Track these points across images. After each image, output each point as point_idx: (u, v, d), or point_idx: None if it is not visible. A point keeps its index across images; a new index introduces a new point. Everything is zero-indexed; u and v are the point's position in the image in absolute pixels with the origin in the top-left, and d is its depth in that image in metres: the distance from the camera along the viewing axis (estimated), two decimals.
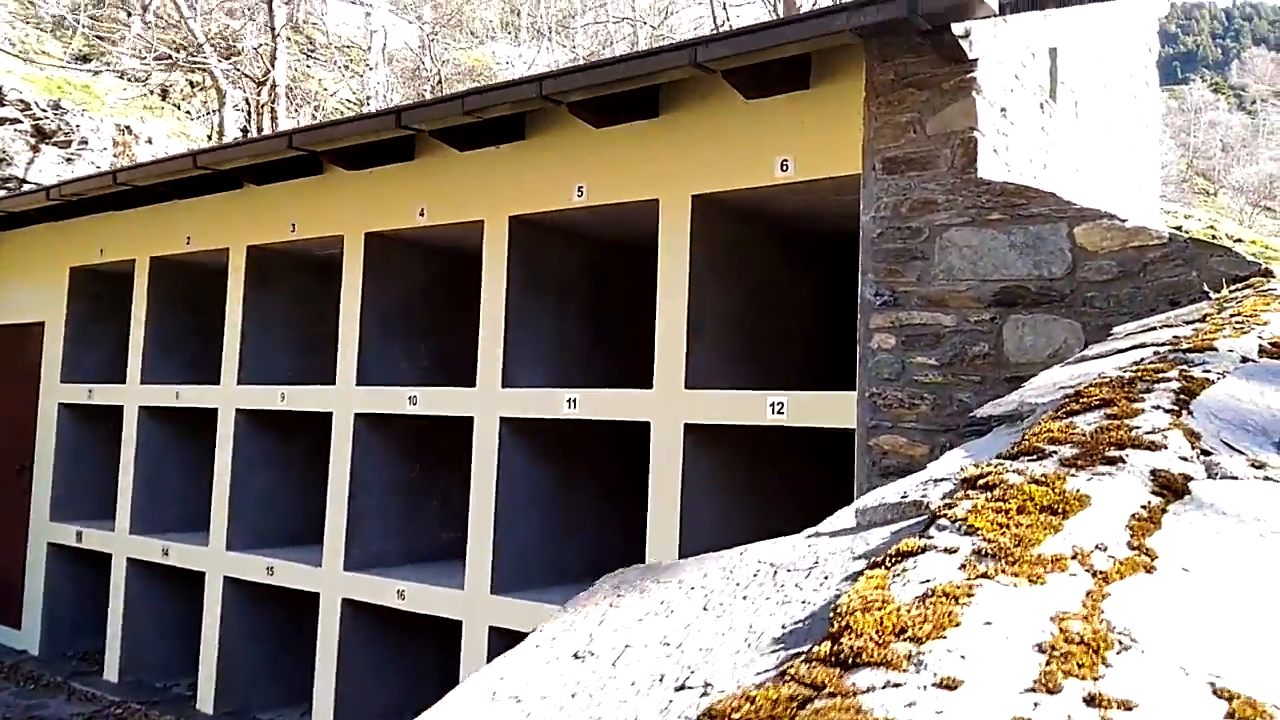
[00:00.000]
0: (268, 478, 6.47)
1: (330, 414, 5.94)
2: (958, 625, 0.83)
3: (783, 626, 1.01)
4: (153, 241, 7.05)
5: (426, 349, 6.15)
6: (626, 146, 4.79)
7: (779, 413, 4.22)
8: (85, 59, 17.73)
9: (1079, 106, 5.16)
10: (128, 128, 11.74)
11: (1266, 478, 1.32)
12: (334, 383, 5.92)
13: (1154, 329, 2.60)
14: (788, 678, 0.79)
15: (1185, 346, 2.06)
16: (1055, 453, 1.37)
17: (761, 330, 4.91)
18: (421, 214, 5.55)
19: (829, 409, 4.02)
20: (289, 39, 16.70)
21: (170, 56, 15.48)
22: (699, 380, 4.54)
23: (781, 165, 4.27)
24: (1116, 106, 6.25)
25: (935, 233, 3.67)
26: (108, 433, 7.35)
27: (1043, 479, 1.22)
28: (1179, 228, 16.17)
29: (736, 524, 4.65)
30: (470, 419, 5.31)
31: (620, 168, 4.81)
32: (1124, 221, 3.34)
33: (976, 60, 3.62)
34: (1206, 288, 3.18)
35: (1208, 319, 2.48)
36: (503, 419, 5.18)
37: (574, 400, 4.91)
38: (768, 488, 4.88)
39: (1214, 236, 15.91)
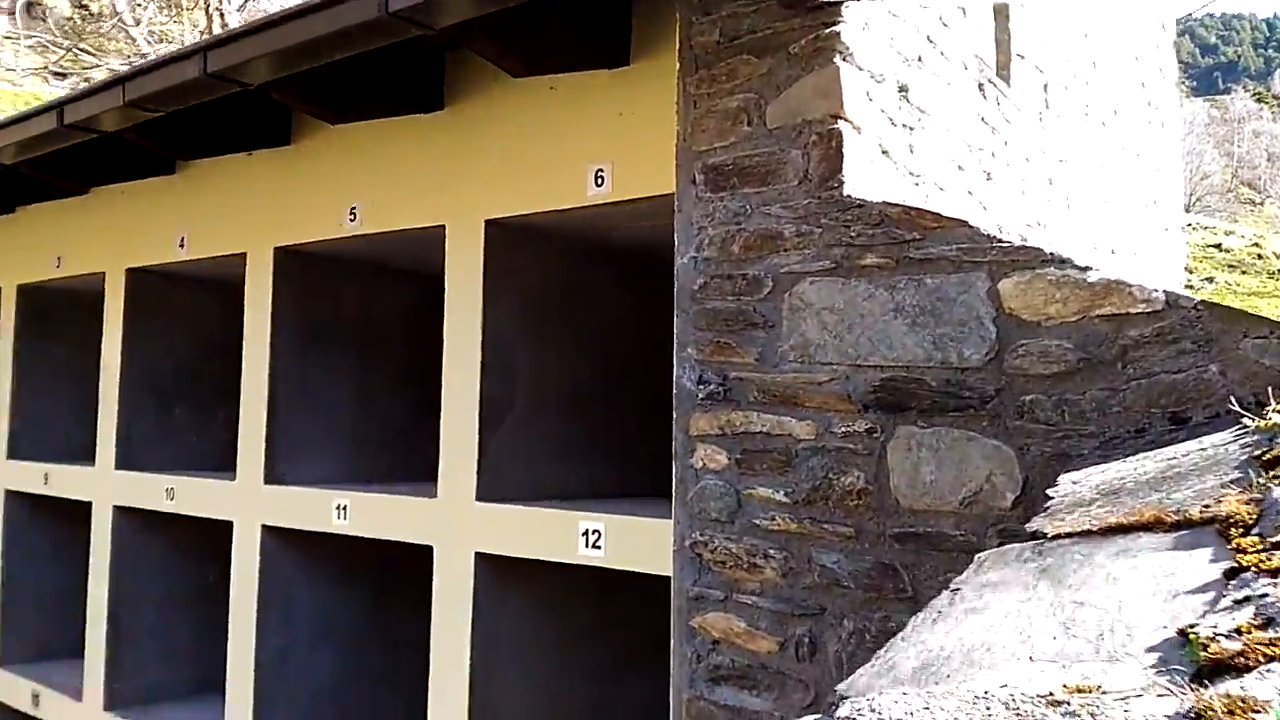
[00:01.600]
0: (48, 576, 5.12)
1: (90, 504, 4.59)
2: None
3: None
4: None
5: (224, 417, 4.77)
6: (409, 153, 3.40)
7: (595, 545, 2.80)
8: (63, 75, 16.97)
9: (1049, 92, 3.68)
10: None
11: None
12: (92, 463, 4.57)
13: (1134, 516, 1.18)
14: None
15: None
16: None
17: (597, 412, 3.48)
18: (181, 245, 4.19)
19: (653, 543, 2.59)
20: None
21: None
22: (500, 489, 3.12)
23: (596, 178, 2.85)
24: (1116, 96, 4.75)
25: (783, 285, 2.25)
26: None
27: None
28: (1217, 246, 14.27)
29: (555, 699, 3.23)
30: (227, 524, 3.92)
31: (399, 182, 3.42)
32: (1085, 273, 1.90)
33: (843, 4, 2.19)
34: (1235, 396, 1.73)
35: (1252, 486, 1.07)
36: (265, 527, 3.79)
37: (344, 507, 3.51)
38: (600, 645, 3.44)
39: (1259, 255, 14.07)
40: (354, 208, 3.55)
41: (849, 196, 2.17)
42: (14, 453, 5.09)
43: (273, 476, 3.79)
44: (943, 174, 2.71)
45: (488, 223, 3.17)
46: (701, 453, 2.37)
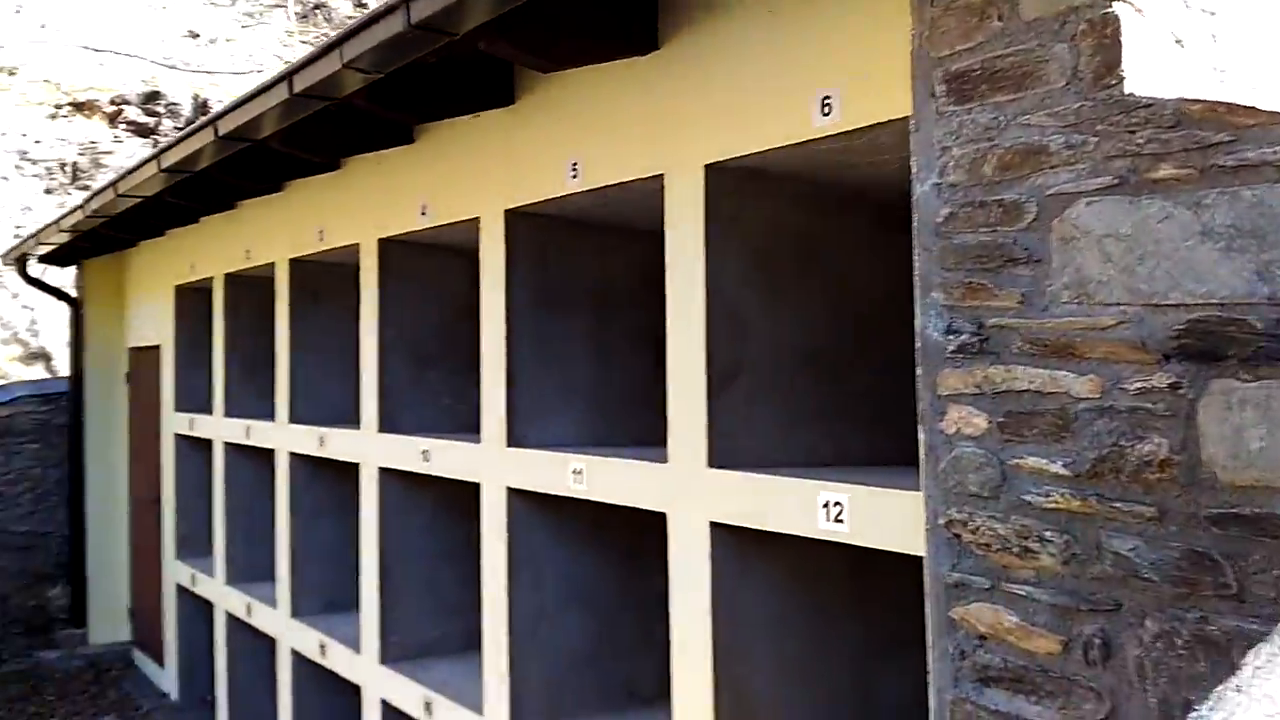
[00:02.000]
0: (329, 533, 5.50)
1: (357, 465, 4.84)
2: None
3: None
4: (222, 255, 6.28)
5: (476, 380, 4.86)
6: (624, 100, 3.22)
7: (837, 519, 2.53)
8: None
9: None
10: None
11: None
12: (358, 426, 4.81)
13: None
14: None
15: None
16: None
17: (840, 372, 3.15)
18: (423, 212, 4.26)
19: (902, 519, 2.28)
20: None
21: None
22: (734, 455, 2.91)
23: (823, 106, 2.54)
24: None
25: (1050, 210, 1.85)
26: (209, 467, 6.76)
27: None
28: None
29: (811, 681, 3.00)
30: (477, 486, 3.97)
31: (616, 132, 3.25)
32: None
33: None
34: None
35: None
36: (509, 489, 3.80)
37: (579, 470, 3.43)
38: (858, 628, 3.14)
39: None
40: (574, 163, 3.41)
41: (1133, 95, 1.73)
42: (294, 417, 5.46)
43: (513, 439, 3.78)
44: (1260, 70, 2.15)
45: (707, 167, 2.91)
46: (954, 415, 2.02)
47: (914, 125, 2.10)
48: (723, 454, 2.91)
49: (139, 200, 5.66)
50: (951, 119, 2.02)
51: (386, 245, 4.62)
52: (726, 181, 2.92)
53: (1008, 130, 1.92)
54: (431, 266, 4.69)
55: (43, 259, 7.83)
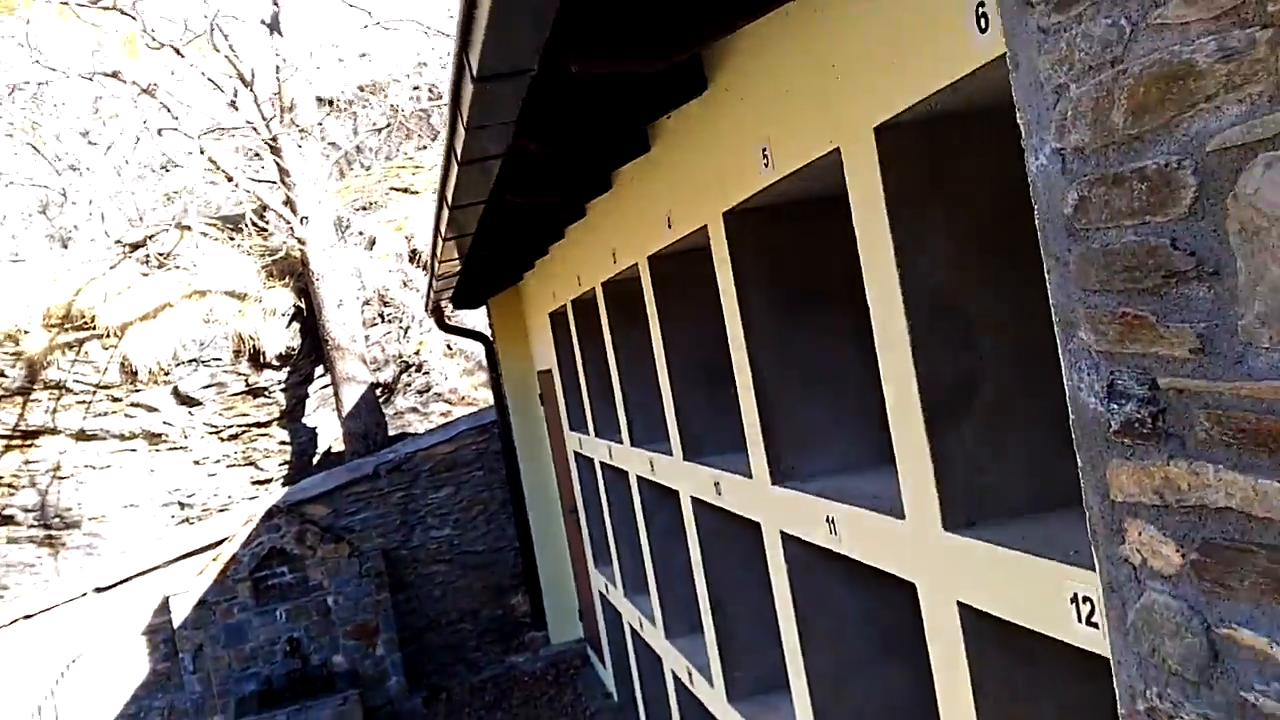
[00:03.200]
0: (684, 554, 5.33)
1: (677, 492, 4.60)
2: None
3: None
4: (595, 262, 5.61)
5: None
6: (794, 66, 2.57)
7: (1090, 621, 1.76)
8: None
9: None
10: None
11: None
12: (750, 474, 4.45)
13: None
14: None
15: None
16: None
17: None
18: (669, 225, 3.87)
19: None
20: None
21: None
22: (970, 509, 2.19)
23: (978, 18, 1.76)
24: None
25: (1218, 175, 0.99)
26: (596, 482, 6.97)
27: None
28: None
29: None
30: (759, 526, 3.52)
31: (794, 106, 2.61)
32: None
33: None
34: None
35: None
36: (782, 534, 3.30)
37: (833, 519, 2.84)
38: None
39: None
40: (763, 149, 2.81)
41: None
42: (633, 439, 5.37)
43: (778, 472, 3.26)
44: None
45: (878, 130, 2.18)
46: (1136, 536, 1.20)
47: (1011, 57, 1.29)
48: (957, 508, 2.18)
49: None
50: (1058, 37, 1.19)
51: (655, 261, 4.30)
52: (904, 143, 2.17)
53: (1135, 42, 1.07)
54: (700, 276, 4.27)
55: (457, 305, 8.67)
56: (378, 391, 10.44)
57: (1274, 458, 0.98)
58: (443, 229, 4.79)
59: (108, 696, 7.81)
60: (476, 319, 9.40)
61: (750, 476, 3.51)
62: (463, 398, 11.80)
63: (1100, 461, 1.24)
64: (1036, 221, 1.27)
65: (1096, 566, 1.29)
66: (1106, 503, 1.25)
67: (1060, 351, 1.28)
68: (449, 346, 11.85)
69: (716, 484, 3.97)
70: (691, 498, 4.41)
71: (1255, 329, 0.98)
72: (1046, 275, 1.28)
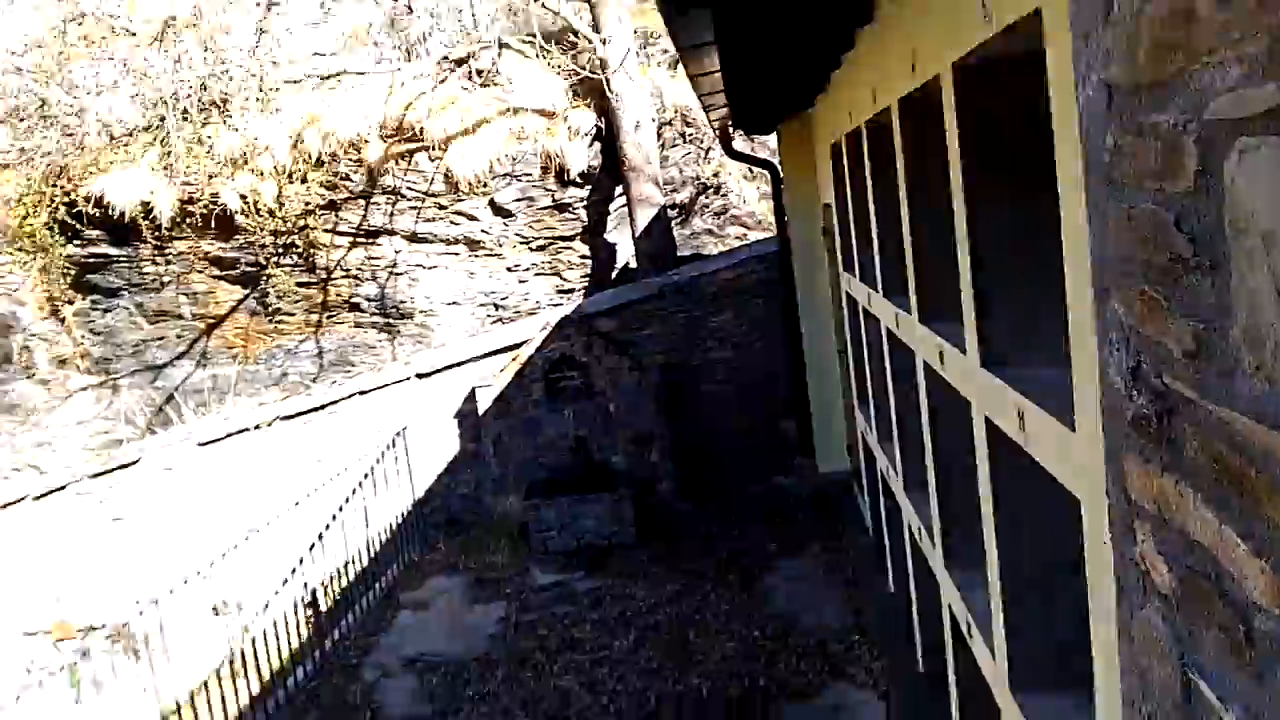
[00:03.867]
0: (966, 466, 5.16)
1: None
2: None
3: None
4: (859, 99, 5.15)
5: None
6: None
7: None
8: None
9: None
10: None
11: None
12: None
13: None
14: None
15: None
16: None
17: None
18: (913, 68, 3.56)
19: None
20: None
21: None
22: None
23: None
24: None
25: (1217, 152, 0.80)
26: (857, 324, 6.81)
27: None
28: None
29: None
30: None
31: None
32: None
33: None
34: None
35: None
36: (986, 418, 3.12)
37: (1023, 415, 2.65)
38: None
39: None
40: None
41: None
42: (886, 289, 5.16)
43: (987, 354, 3.04)
44: None
45: None
46: (1142, 542, 1.05)
47: None
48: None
49: None
50: None
51: (903, 105, 3.98)
52: None
53: None
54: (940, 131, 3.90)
55: (746, 130, 8.55)
56: (674, 212, 10.67)
57: (1243, 501, 0.81)
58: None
59: (426, 465, 9.05)
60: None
61: (964, 353, 3.29)
62: (759, 222, 11.78)
63: (1119, 451, 1.07)
64: (1081, 162, 1.06)
65: (1112, 559, 1.13)
66: (1123, 495, 1.08)
67: (1095, 319, 1.09)
68: (750, 171, 11.77)
69: (941, 353, 3.77)
70: (923, 361, 4.22)
71: (1239, 345, 0.79)
72: (1087, 223, 1.07)
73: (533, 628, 7.31)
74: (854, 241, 6.31)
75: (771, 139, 9.23)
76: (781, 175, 8.67)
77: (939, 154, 3.72)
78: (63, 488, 9.57)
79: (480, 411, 8.66)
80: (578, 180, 10.13)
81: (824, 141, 7.43)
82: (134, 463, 9.54)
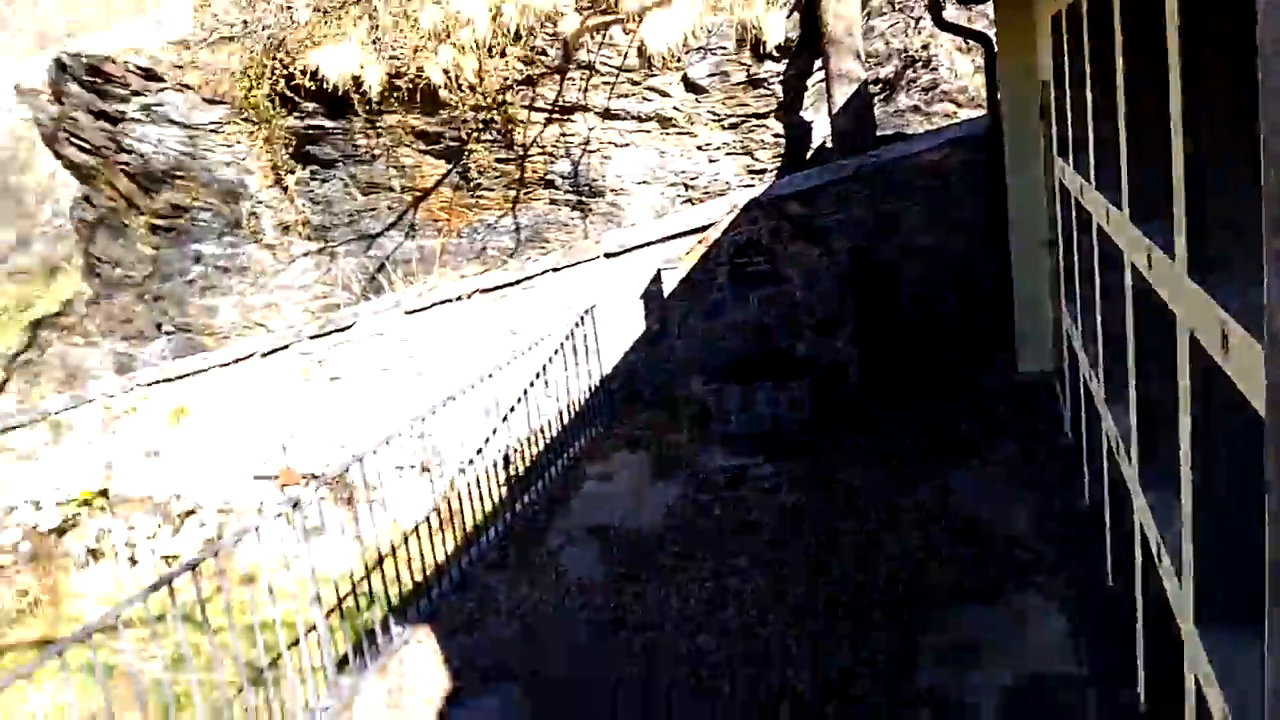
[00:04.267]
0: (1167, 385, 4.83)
1: None
2: None
3: None
4: None
5: None
6: None
7: None
8: None
9: None
10: None
11: None
12: None
13: None
14: None
15: None
16: None
17: None
18: None
19: None
20: None
21: None
22: None
23: None
24: None
25: None
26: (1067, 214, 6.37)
27: None
28: None
29: None
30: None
31: None
32: None
33: None
34: None
35: None
36: (1190, 333, 2.89)
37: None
38: None
39: None
40: None
41: None
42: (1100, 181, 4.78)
43: (1196, 261, 2.79)
44: None
45: None
46: None
47: None
48: None
49: None
50: None
51: None
52: None
53: None
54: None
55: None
56: (876, 88, 10.17)
57: None
58: None
59: (612, 343, 9.30)
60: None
61: (1173, 260, 3.02)
62: (971, 99, 11.07)
63: None
64: (1259, 56, 0.93)
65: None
66: None
67: (1264, 250, 0.97)
68: (965, 42, 11.00)
69: (1149, 256, 3.48)
70: (1131, 263, 3.91)
71: None
72: (1261, 116, 0.94)
73: (710, 508, 7.52)
74: (1070, 126, 5.83)
75: (988, 7, 8.56)
76: (996, 49, 8.06)
77: (1158, 36, 3.34)
78: (286, 347, 10.49)
79: (666, 293, 8.77)
80: (774, 54, 9.79)
81: (1045, 10, 6.81)
82: (349, 326, 10.31)
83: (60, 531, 11.45)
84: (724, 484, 7.82)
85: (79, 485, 11.34)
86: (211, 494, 10.98)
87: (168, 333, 12.88)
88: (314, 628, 6.31)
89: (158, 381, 11.17)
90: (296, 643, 6.75)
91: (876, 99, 10.15)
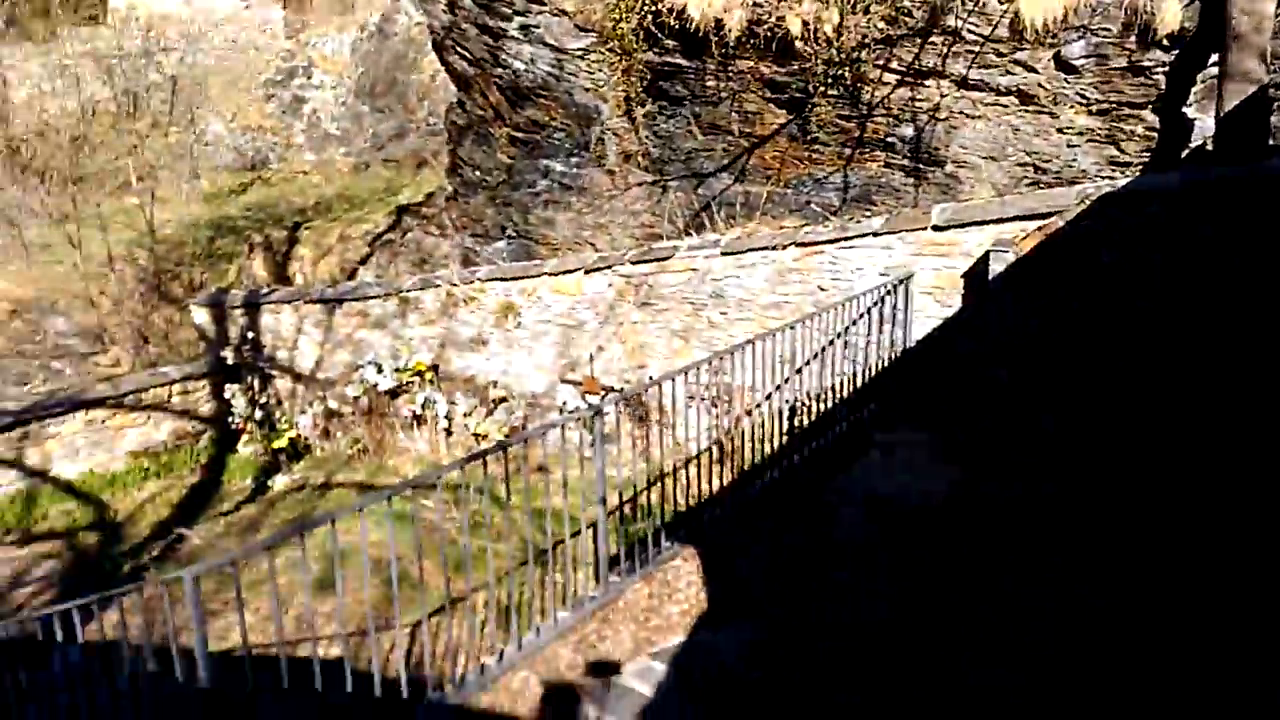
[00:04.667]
0: None
1: None
2: None
3: None
4: None
5: None
6: None
7: None
8: None
9: None
10: None
11: None
12: None
13: None
14: None
15: None
16: None
17: None
18: None
19: None
20: None
21: None
22: None
23: None
24: None
25: None
26: None
27: None
28: None
29: None
30: None
31: None
32: None
33: None
34: None
35: None
36: None
37: None
38: None
39: None
40: None
41: None
42: None
43: None
44: None
45: None
46: None
47: None
48: None
49: None
50: None
51: None
52: None
53: None
54: None
55: None
56: (1276, 92, 9.15)
57: None
58: None
59: (923, 318, 9.20)
60: None
61: None
62: None
63: None
64: None
65: None
66: None
67: None
68: None
69: None
70: None
71: None
72: None
73: (993, 502, 7.36)
74: None
75: None
76: None
77: None
78: (609, 267, 11.25)
79: (990, 275, 8.52)
80: (1164, 42, 9.06)
81: None
82: (667, 258, 10.89)
83: (394, 394, 13.09)
84: (1014, 479, 7.60)
85: (415, 357, 12.86)
86: (523, 386, 12.08)
87: (509, 236, 14.16)
88: (594, 525, 6.91)
89: (495, 279, 12.37)
90: (576, 534, 7.43)
91: (1276, 106, 9.15)
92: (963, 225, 8.96)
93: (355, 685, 5.80)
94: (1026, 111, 9.82)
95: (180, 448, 14.43)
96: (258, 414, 14.56)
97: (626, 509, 8.19)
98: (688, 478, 7.84)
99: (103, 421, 13.71)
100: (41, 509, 12.58)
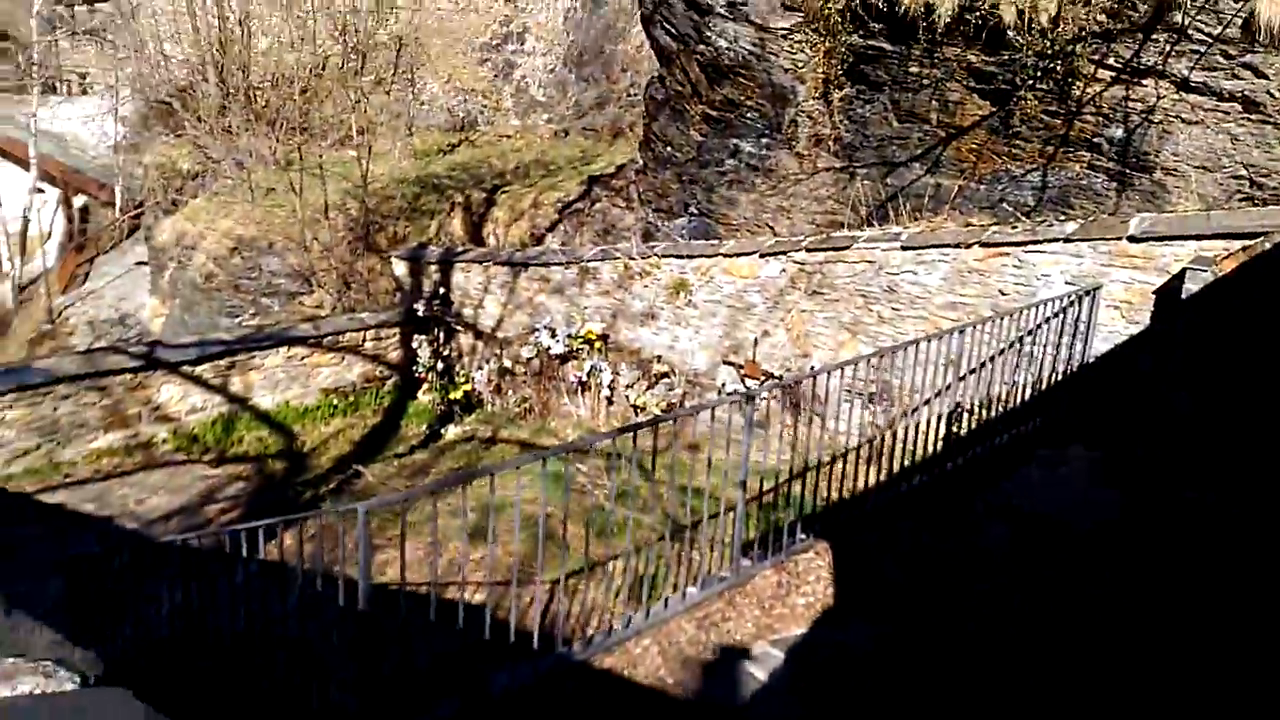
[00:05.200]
0: None
1: None
2: None
3: None
4: None
5: None
6: None
7: None
8: None
9: None
10: None
11: None
12: None
13: None
14: None
15: None
16: None
17: None
18: None
19: None
20: None
21: None
22: None
23: None
24: None
25: None
26: None
27: None
28: None
29: None
30: None
31: None
32: None
33: None
34: None
35: None
36: None
37: None
38: None
39: None
40: None
41: None
42: None
43: None
44: None
45: None
46: None
47: None
48: None
49: None
50: None
51: None
52: None
53: None
54: None
55: None
56: None
57: None
58: None
59: (1106, 333, 8.82)
60: None
61: None
62: None
63: None
64: None
65: None
66: None
67: None
68: None
69: None
70: None
71: None
72: None
73: (1156, 532, 7.05)
74: None
75: None
76: None
77: None
78: (785, 253, 11.33)
79: (1184, 294, 8.09)
80: None
81: None
82: (845, 247, 10.87)
83: (563, 359, 13.68)
84: (1185, 509, 7.25)
85: (588, 325, 13.38)
86: (686, 364, 12.37)
87: (691, 214, 14.41)
88: (734, 508, 7.11)
89: (671, 255, 12.68)
90: (716, 515, 7.66)
91: None
92: (1162, 238, 8.53)
93: (492, 631, 6.26)
94: (1249, 120, 9.16)
95: (367, 390, 15.59)
96: (439, 365, 15.53)
97: (768, 496, 8.33)
98: (832, 472, 7.90)
99: (302, 359, 14.98)
100: (238, 433, 13.93)
